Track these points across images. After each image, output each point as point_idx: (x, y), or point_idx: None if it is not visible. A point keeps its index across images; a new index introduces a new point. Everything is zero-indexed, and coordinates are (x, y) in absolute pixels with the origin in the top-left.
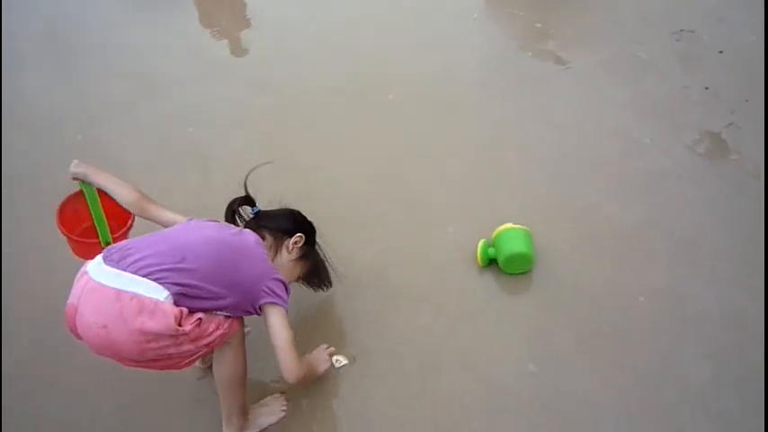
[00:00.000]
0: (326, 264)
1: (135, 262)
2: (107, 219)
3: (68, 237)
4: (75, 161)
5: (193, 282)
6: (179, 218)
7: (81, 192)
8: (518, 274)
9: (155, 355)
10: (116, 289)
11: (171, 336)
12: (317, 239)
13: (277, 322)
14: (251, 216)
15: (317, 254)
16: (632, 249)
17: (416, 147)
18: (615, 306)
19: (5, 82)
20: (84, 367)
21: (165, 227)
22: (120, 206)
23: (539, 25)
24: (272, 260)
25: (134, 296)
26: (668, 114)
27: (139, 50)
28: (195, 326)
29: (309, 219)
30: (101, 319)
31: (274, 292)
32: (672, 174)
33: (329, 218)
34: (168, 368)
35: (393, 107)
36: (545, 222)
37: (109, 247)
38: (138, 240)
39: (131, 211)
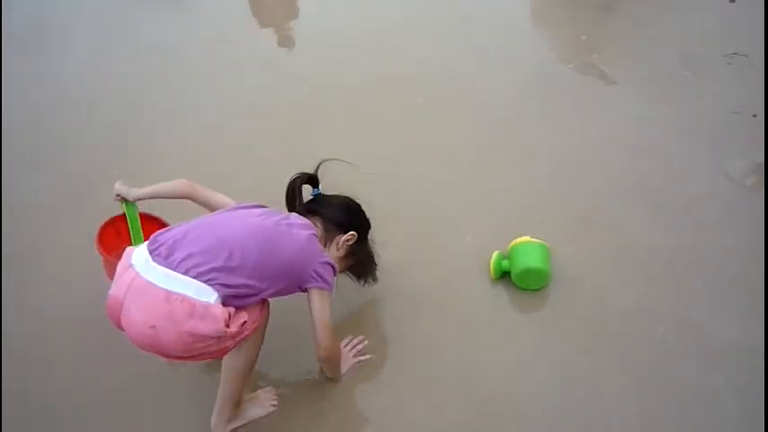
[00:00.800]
0: (374, 260)
1: (183, 260)
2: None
3: (106, 258)
4: (118, 182)
5: (242, 281)
6: (228, 200)
7: (123, 214)
8: (532, 290)
9: (198, 351)
10: (166, 290)
11: (218, 337)
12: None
13: (321, 304)
14: (311, 196)
15: (366, 250)
16: (658, 275)
17: (442, 151)
18: (632, 334)
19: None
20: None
21: (215, 210)
22: (163, 224)
23: (584, 38)
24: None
25: (185, 298)
26: (711, 139)
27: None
28: (240, 326)
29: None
30: (150, 319)
31: (321, 277)
32: (709, 200)
33: None
34: (203, 360)
35: (421, 110)
36: (569, 238)
37: (153, 238)
38: (184, 231)
39: (183, 196)
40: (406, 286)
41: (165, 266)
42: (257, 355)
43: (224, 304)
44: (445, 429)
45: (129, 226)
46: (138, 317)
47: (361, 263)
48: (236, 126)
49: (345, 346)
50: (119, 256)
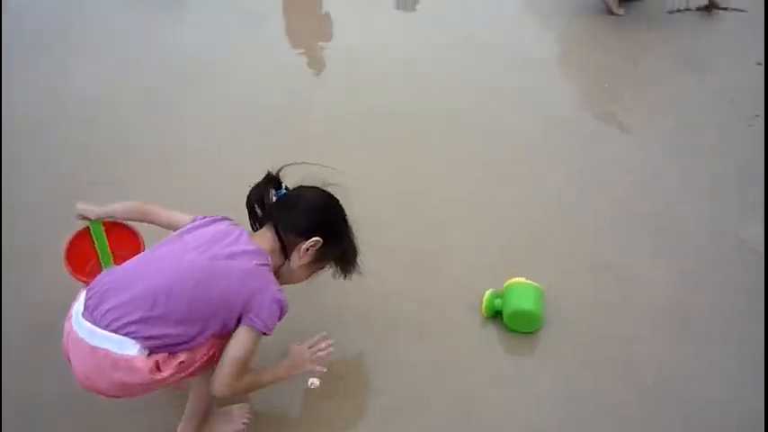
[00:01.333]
0: (351, 255)
1: (107, 312)
2: (119, 252)
3: (75, 277)
4: (80, 202)
5: (166, 330)
6: (184, 218)
7: (88, 229)
8: (523, 332)
9: (141, 392)
10: (91, 345)
11: (152, 381)
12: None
13: (243, 339)
14: (273, 200)
15: (340, 248)
16: (656, 325)
17: (452, 182)
18: (620, 385)
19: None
20: None
21: (172, 230)
22: (132, 237)
23: (606, 86)
24: (283, 262)
25: (107, 353)
26: (721, 199)
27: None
28: (176, 369)
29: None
30: (83, 370)
31: (259, 317)
32: (715, 258)
33: None
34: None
35: (435, 140)
36: (568, 281)
37: (91, 285)
38: (118, 275)
39: (131, 218)
40: (393, 313)
41: (91, 322)
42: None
43: (154, 352)
44: None
45: (96, 246)
46: (75, 366)
47: (336, 261)
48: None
49: (310, 346)
50: (90, 271)
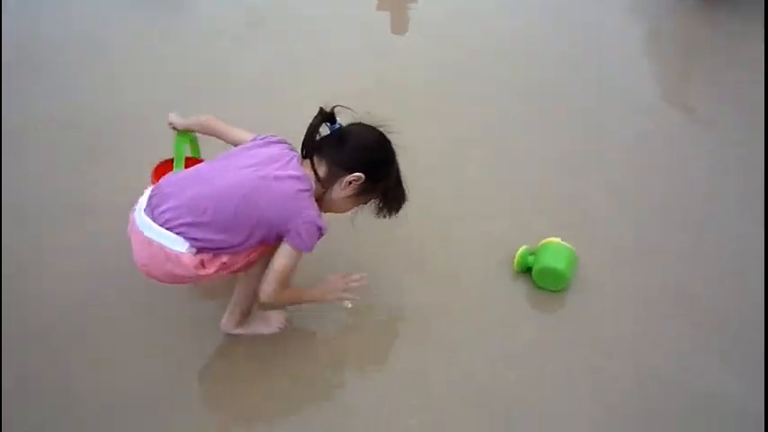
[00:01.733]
0: (395, 196)
1: (164, 212)
2: None
3: None
4: (173, 113)
5: (210, 236)
6: (246, 135)
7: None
8: (550, 290)
9: (190, 282)
10: (148, 238)
11: (198, 276)
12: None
13: (286, 255)
14: (330, 132)
15: (383, 187)
16: (676, 314)
17: (506, 146)
18: (629, 362)
19: None
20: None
21: (234, 145)
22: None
23: (687, 76)
24: (324, 192)
25: (161, 247)
26: None
27: None
28: (219, 267)
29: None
30: (141, 258)
31: (300, 236)
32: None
33: None
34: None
35: (508, 112)
36: (606, 260)
37: (157, 184)
38: (178, 179)
39: (203, 131)
40: (425, 260)
41: (150, 218)
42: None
43: (200, 252)
44: (417, 399)
45: (174, 151)
46: (135, 255)
47: (379, 198)
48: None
49: (344, 277)
50: None
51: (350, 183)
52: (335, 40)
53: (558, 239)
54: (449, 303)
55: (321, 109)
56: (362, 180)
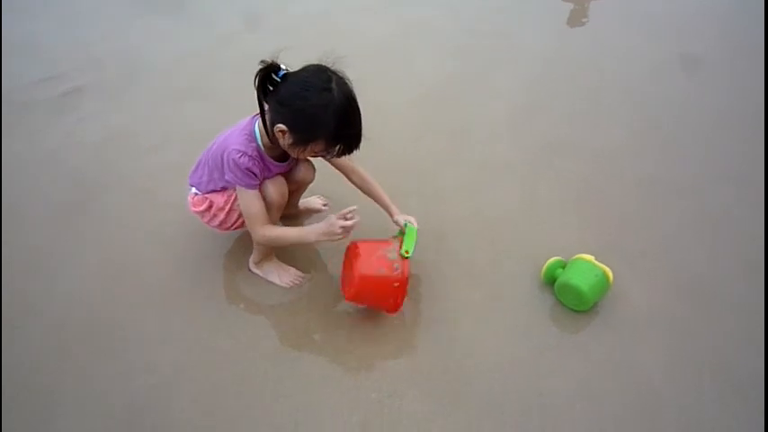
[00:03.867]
0: (346, 142)
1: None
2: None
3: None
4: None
5: (196, 177)
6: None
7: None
8: (571, 309)
9: (208, 221)
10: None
11: (198, 212)
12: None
13: (239, 196)
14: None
15: (308, 137)
16: (701, 373)
17: (560, 150)
18: (633, 393)
19: None
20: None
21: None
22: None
23: None
24: (278, 141)
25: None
26: None
27: None
28: (206, 207)
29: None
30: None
31: (227, 172)
32: None
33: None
34: (234, 227)
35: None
36: (643, 284)
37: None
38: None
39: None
40: (458, 257)
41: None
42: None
43: (203, 193)
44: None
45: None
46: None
47: (327, 147)
48: None
49: (340, 217)
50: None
51: (281, 132)
52: None
53: (591, 257)
54: (470, 298)
55: (262, 61)
56: (287, 132)
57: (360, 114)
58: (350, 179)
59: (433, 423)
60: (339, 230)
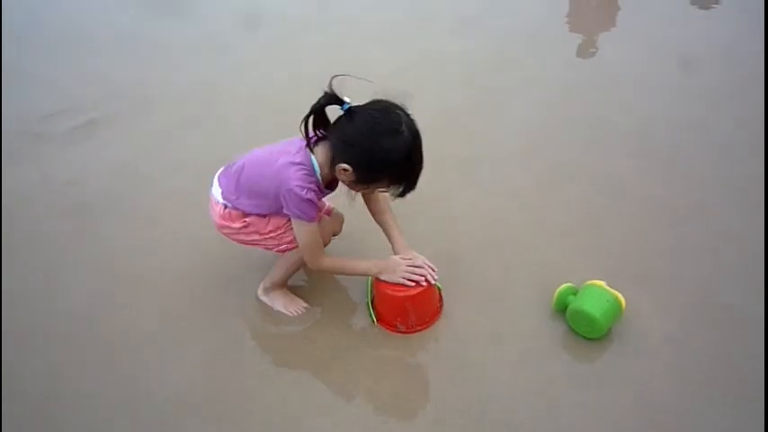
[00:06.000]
0: (407, 184)
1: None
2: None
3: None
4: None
5: (231, 192)
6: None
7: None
8: (584, 336)
9: (236, 237)
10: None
11: (227, 227)
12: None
13: (296, 228)
14: (341, 113)
15: (373, 180)
16: (712, 385)
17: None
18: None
19: None
20: None
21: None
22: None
23: None
24: (336, 174)
25: (211, 196)
26: None
27: None
28: (243, 225)
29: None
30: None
31: (288, 205)
32: None
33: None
34: (267, 248)
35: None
36: (664, 319)
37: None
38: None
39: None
40: (467, 278)
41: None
42: (297, 265)
43: (228, 208)
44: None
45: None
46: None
47: (388, 188)
48: None
49: (408, 264)
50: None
51: (343, 170)
52: None
53: (602, 283)
54: (481, 326)
55: (325, 92)
56: (351, 171)
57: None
58: (367, 203)
59: None
60: (400, 278)
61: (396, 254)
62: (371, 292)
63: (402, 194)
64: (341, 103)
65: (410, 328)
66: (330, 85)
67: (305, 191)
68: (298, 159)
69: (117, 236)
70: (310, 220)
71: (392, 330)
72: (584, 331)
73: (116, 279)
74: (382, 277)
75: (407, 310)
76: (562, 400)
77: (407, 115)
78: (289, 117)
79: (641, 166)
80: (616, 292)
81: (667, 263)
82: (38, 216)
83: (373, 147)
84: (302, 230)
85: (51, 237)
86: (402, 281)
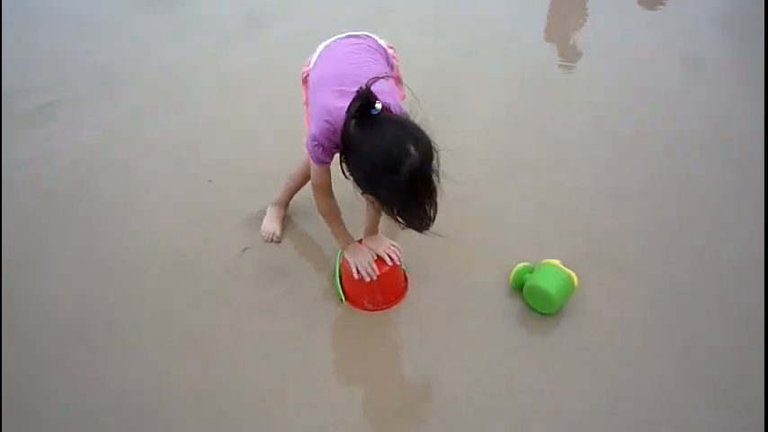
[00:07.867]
0: (411, 216)
1: None
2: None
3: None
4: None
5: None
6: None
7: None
8: (540, 312)
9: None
10: None
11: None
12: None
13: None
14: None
15: (388, 206)
16: (668, 368)
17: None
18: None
19: None
20: None
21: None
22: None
23: None
24: None
25: None
26: None
27: None
28: (304, 101)
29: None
30: None
31: (306, 146)
32: None
33: None
34: None
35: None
36: (611, 293)
37: None
38: None
39: None
40: (432, 260)
41: None
42: (297, 183)
43: None
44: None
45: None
46: None
47: (392, 215)
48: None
49: (390, 245)
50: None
51: (359, 191)
52: None
53: (557, 262)
54: (442, 305)
55: (359, 91)
56: (350, 173)
57: (432, 190)
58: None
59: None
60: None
61: (364, 238)
62: (340, 271)
63: (407, 227)
64: (372, 107)
65: (376, 306)
66: (367, 87)
67: (315, 142)
68: (339, 106)
69: (90, 219)
70: (317, 161)
71: (359, 308)
72: (540, 306)
73: (93, 265)
74: (345, 256)
75: (374, 289)
76: (520, 370)
77: (421, 152)
78: (262, 99)
79: (597, 156)
80: (569, 271)
81: (616, 246)
82: (8, 200)
83: (370, 173)
84: (311, 168)
85: (21, 220)
86: (354, 266)
